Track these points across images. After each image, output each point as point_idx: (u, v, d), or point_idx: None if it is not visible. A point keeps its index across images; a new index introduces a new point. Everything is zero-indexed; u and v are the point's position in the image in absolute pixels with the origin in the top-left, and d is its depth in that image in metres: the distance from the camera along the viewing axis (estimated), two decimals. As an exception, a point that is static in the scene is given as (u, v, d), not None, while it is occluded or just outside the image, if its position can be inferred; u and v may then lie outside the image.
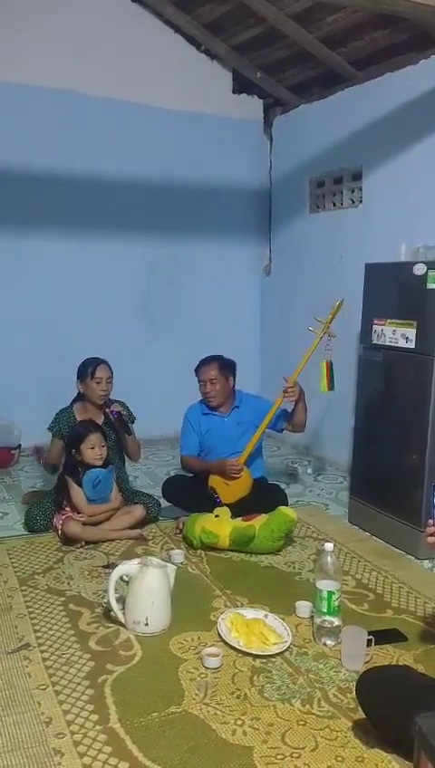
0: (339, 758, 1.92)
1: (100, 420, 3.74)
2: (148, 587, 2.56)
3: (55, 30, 4.91)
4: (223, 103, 5.56)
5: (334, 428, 4.88)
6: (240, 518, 3.38)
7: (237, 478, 3.65)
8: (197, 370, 3.79)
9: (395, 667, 2.26)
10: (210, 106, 5.48)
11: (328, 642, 2.50)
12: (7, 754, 1.90)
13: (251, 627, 2.52)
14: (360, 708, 2.00)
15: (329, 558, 2.53)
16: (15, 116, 4.86)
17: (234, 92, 5.64)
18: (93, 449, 3.49)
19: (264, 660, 2.39)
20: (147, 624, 2.54)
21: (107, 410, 3.71)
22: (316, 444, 5.21)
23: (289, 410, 3.77)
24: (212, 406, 3.78)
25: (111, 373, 3.75)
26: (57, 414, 3.79)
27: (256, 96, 5.70)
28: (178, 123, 5.36)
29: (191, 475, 3.92)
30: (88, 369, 3.70)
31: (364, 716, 1.98)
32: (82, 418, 3.70)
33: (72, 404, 3.82)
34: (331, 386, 3.81)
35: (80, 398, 3.81)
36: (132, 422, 3.78)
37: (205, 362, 3.79)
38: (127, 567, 2.63)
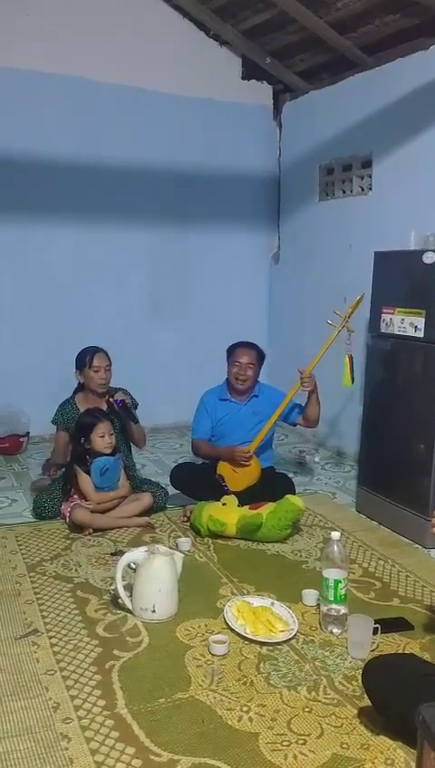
0: (344, 745, 1.93)
1: (102, 409, 3.75)
2: (155, 574, 2.58)
3: (63, 15, 4.88)
4: (232, 89, 5.51)
5: (342, 417, 4.87)
6: (247, 506, 3.38)
7: (246, 466, 3.66)
8: (233, 351, 3.79)
9: (401, 656, 2.27)
10: (219, 92, 5.44)
11: (334, 630, 2.51)
12: (15, 739, 1.93)
13: (258, 614, 2.53)
14: (365, 696, 2.01)
15: (336, 546, 2.53)
16: (24, 102, 4.84)
17: (243, 78, 5.59)
18: (103, 437, 3.50)
19: (270, 648, 2.41)
20: (154, 611, 2.56)
21: (111, 399, 3.71)
22: (324, 433, 5.20)
23: (303, 404, 3.77)
24: (240, 389, 3.77)
25: (110, 361, 3.74)
26: (60, 406, 3.81)
27: (265, 82, 5.64)
28: (187, 109, 5.33)
29: (200, 461, 3.93)
30: (86, 358, 3.70)
31: (370, 704, 1.99)
32: (85, 408, 3.71)
33: (73, 395, 3.83)
34: (352, 379, 3.80)
35: (81, 388, 3.81)
36: (135, 408, 3.77)
37: (244, 345, 3.81)
38: (134, 554, 2.65)
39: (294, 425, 3.90)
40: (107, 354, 3.75)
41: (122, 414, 3.70)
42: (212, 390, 3.88)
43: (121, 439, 3.81)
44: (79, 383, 3.80)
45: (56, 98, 4.93)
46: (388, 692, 1.91)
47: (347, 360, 3.73)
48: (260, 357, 3.81)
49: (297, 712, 2.07)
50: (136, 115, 5.20)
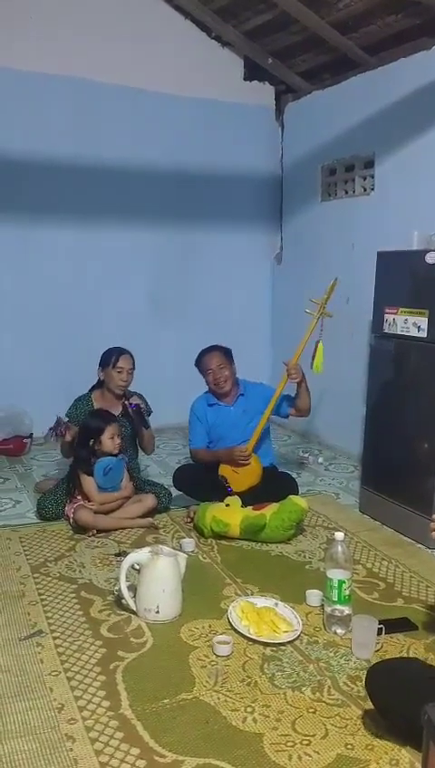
0: (349, 746, 1.92)
1: (117, 410, 3.75)
2: (159, 575, 2.58)
3: (65, 16, 4.88)
4: (234, 90, 5.52)
5: (345, 418, 4.86)
6: (251, 507, 3.39)
7: (246, 465, 3.66)
8: (201, 361, 3.80)
9: (404, 660, 2.26)
10: (221, 93, 5.44)
11: (338, 631, 2.51)
12: (20, 739, 1.93)
13: (262, 615, 2.53)
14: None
15: (339, 547, 2.53)
16: (26, 103, 4.85)
17: (245, 79, 5.59)
18: (113, 439, 3.51)
19: (274, 648, 2.41)
20: (158, 612, 2.56)
21: (126, 402, 3.72)
22: (327, 433, 5.20)
23: (292, 395, 3.78)
24: (224, 391, 3.77)
25: (134, 365, 3.76)
26: (75, 401, 3.81)
27: (267, 83, 5.65)
28: (190, 110, 5.33)
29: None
30: (111, 357, 3.72)
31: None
32: (100, 406, 3.72)
33: (90, 391, 3.84)
34: (316, 365, 3.78)
35: (99, 385, 3.82)
36: (149, 415, 3.78)
37: (208, 351, 3.82)
38: (138, 555, 2.65)
39: (286, 416, 3.90)
40: (133, 358, 3.77)
41: (136, 418, 3.70)
42: (200, 398, 3.88)
43: (130, 442, 3.82)
44: (99, 380, 3.81)
45: (58, 99, 4.94)
46: (391, 696, 1.90)
47: (318, 346, 3.73)
48: (227, 354, 3.82)
49: (302, 712, 2.07)
50: (138, 116, 5.20)
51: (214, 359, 3.76)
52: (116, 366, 3.69)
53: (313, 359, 3.76)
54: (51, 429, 3.59)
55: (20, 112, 4.84)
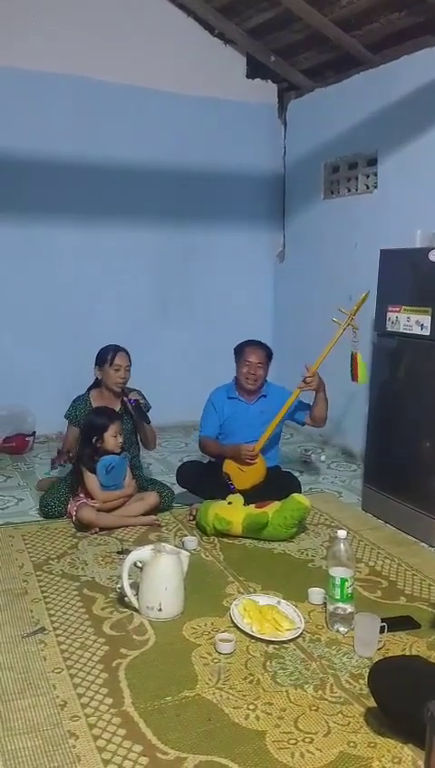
0: (351, 743, 1.92)
1: (116, 408, 3.75)
2: (161, 573, 2.58)
3: (66, 15, 4.88)
4: (237, 88, 5.51)
5: (348, 416, 4.86)
6: (253, 505, 3.38)
7: (252, 464, 3.65)
8: (242, 350, 3.77)
9: (406, 658, 2.26)
10: (224, 91, 5.43)
11: (341, 629, 2.51)
12: (23, 736, 1.93)
13: (264, 613, 2.53)
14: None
15: (342, 545, 2.53)
16: (27, 102, 4.85)
17: (248, 77, 5.59)
18: (115, 437, 3.51)
19: (277, 646, 2.41)
20: (160, 609, 2.56)
21: (125, 399, 3.72)
22: (330, 431, 5.19)
23: (310, 402, 3.76)
24: (250, 389, 3.76)
25: (130, 362, 3.75)
26: (74, 401, 3.82)
27: (269, 80, 5.64)
28: (192, 108, 5.33)
29: (206, 460, 3.93)
30: (107, 355, 3.71)
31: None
32: (99, 405, 3.72)
33: (88, 391, 3.84)
34: (361, 377, 3.76)
35: (96, 384, 3.82)
36: (148, 410, 3.78)
37: (255, 344, 3.79)
38: (140, 553, 2.65)
39: (303, 424, 3.89)
40: (129, 355, 3.76)
41: (135, 414, 3.71)
42: (221, 388, 3.87)
43: (132, 439, 3.82)
44: (96, 379, 3.81)
45: (60, 98, 4.94)
46: (394, 694, 1.90)
47: (358, 357, 3.71)
48: (269, 355, 3.80)
49: (304, 710, 2.07)
50: (140, 114, 5.20)
51: (256, 353, 3.74)
52: (113, 364, 3.69)
53: (352, 371, 3.73)
54: (52, 461, 3.92)
55: (21, 112, 4.84)
